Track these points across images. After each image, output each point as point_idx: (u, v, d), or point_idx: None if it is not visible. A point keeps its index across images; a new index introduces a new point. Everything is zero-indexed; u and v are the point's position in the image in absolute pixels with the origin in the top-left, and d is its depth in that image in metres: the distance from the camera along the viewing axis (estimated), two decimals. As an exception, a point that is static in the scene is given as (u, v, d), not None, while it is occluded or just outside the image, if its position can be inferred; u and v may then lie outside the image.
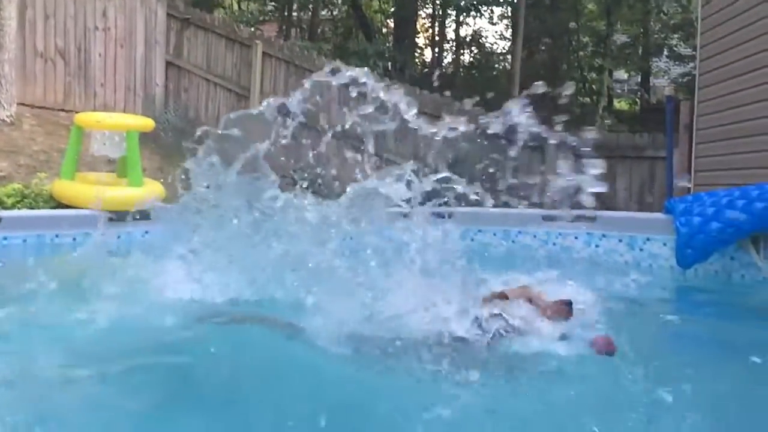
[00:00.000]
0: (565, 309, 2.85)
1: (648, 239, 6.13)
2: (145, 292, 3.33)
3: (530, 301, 2.82)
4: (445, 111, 12.12)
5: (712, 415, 2.30)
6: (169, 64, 13.70)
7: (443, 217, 7.14)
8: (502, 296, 2.86)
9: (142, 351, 2.62)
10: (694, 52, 10.73)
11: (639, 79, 23.57)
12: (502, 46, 25.14)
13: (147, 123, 7.77)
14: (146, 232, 6.69)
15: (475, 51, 24.21)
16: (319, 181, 11.80)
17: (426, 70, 21.89)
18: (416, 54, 22.90)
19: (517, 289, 2.89)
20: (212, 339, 2.69)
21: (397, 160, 11.92)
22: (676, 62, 21.29)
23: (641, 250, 6.16)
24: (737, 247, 5.44)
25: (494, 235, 6.86)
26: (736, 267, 5.49)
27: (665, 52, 21.73)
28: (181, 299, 3.29)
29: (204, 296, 3.32)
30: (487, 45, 25.09)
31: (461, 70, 23.39)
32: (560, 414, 2.20)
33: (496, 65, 22.95)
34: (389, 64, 18.67)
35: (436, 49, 24.31)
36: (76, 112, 9.01)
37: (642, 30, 21.19)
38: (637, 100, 22.30)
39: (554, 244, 6.63)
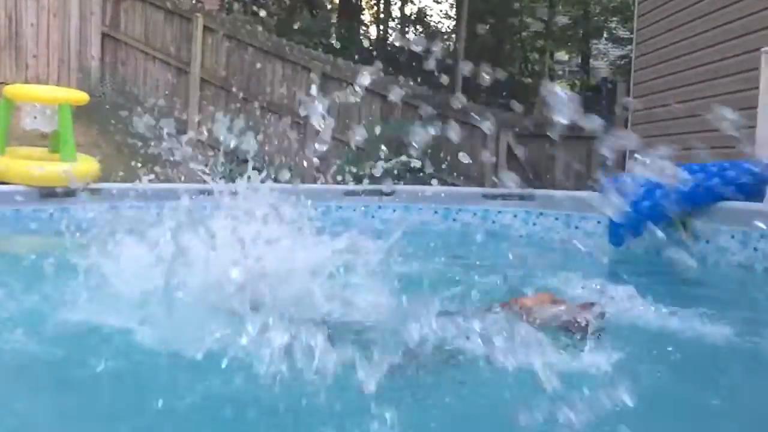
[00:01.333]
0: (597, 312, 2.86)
1: (583, 217, 6.30)
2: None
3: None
4: (390, 90, 12.18)
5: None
6: (105, 36, 13.26)
7: (387, 195, 7.23)
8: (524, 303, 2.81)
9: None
10: (631, 35, 10.99)
11: (579, 61, 24.02)
12: (447, 25, 25.25)
13: (80, 96, 7.53)
14: (82, 209, 6.54)
15: (420, 29, 24.25)
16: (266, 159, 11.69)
17: (371, 47, 21.80)
18: (361, 31, 22.78)
19: (545, 295, 2.92)
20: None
21: (339, 136, 11.89)
22: (615, 45, 21.75)
23: (576, 228, 6.33)
24: (666, 226, 5.64)
25: (435, 213, 6.94)
26: (665, 244, 5.69)
27: (605, 35, 22.17)
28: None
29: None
30: (432, 24, 25.15)
31: (406, 48, 23.38)
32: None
33: (441, 44, 23.03)
34: (333, 41, 18.53)
35: (381, 27, 24.23)
36: (6, 84, 8.67)
37: (583, 12, 21.57)
38: (577, 81, 22.75)
39: (493, 222, 6.76)
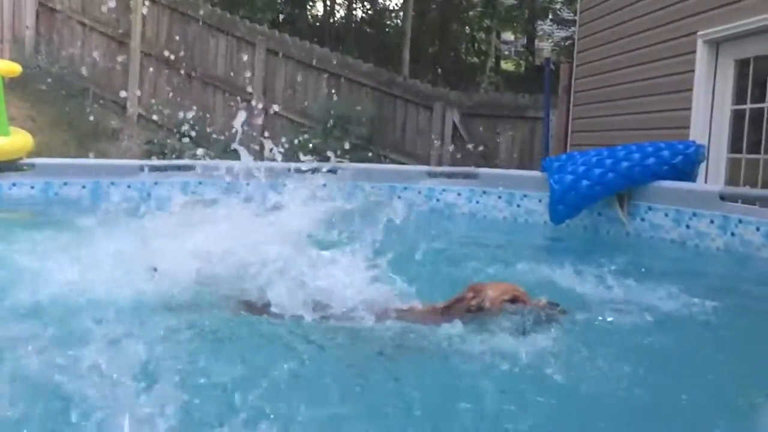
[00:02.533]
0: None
1: (525, 196, 6.41)
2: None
3: (516, 300, 2.65)
4: (337, 67, 12.03)
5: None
6: (40, 6, 12.74)
7: (332, 173, 7.20)
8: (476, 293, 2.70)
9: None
10: (575, 17, 11.16)
11: (525, 41, 24.25)
12: (395, 2, 25.11)
13: (12, 68, 7.23)
14: (13, 185, 6.34)
15: (368, 6, 24.06)
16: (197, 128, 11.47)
17: (318, 24, 21.54)
18: (308, 6, 22.46)
19: (506, 285, 2.77)
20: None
21: (284, 113, 11.77)
22: (559, 26, 22.04)
23: (518, 206, 6.44)
24: (604, 204, 5.79)
25: (380, 190, 6.95)
26: (602, 222, 5.85)
27: (550, 16, 22.43)
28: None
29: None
30: (380, 1, 24.97)
31: (353, 25, 23.19)
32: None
33: (389, 22, 22.91)
34: (279, 15, 18.23)
35: (328, 3, 23.93)
36: (-68, 54, 8.26)
37: (529, -7, 21.76)
38: (522, 62, 22.98)
39: (438, 199, 6.82)
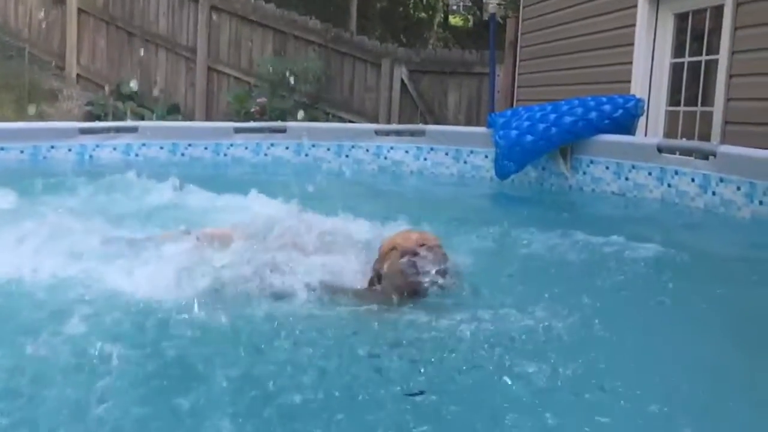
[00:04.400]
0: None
1: (472, 152, 6.48)
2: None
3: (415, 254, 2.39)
4: (283, 24, 11.79)
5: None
6: (-34, -39, 12.11)
7: (279, 131, 7.14)
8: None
9: None
10: (521, -29, 11.14)
11: (473, -4, 24.15)
12: (341, -44, 24.58)
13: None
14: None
15: (313, -40, 23.52)
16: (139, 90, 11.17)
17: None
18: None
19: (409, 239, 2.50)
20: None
21: (230, 71, 11.54)
22: (507, -20, 22.00)
23: (465, 162, 6.51)
24: (548, 158, 5.90)
25: (328, 149, 6.94)
26: (547, 176, 5.97)
27: (497, -30, 22.36)
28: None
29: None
30: (326, -46, 24.40)
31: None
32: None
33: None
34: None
35: (273, -43, 23.32)
36: None
37: (476, -54, 21.55)
38: (470, 17, 22.89)
39: (386, 158, 6.84)
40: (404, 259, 2.38)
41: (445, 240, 3.37)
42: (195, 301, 2.26)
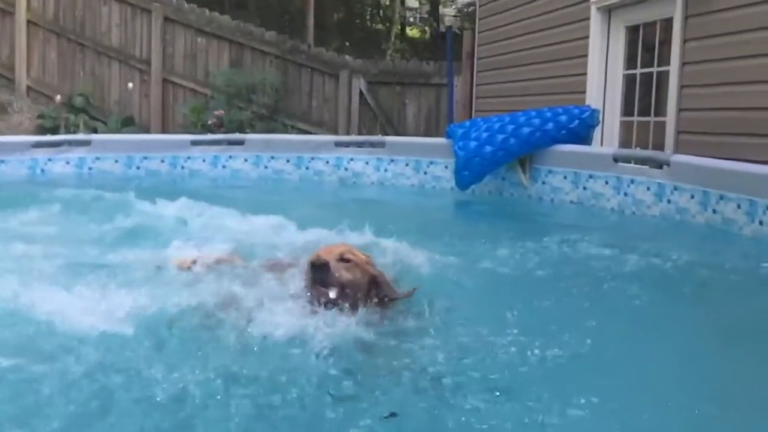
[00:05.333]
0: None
1: (431, 163, 6.51)
2: None
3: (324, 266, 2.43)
4: (239, 36, 11.69)
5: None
6: None
7: (237, 144, 7.06)
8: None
9: None
10: (476, -16, 11.28)
11: (429, 8, 24.36)
12: (297, -33, 24.58)
13: None
14: None
15: (269, -29, 23.46)
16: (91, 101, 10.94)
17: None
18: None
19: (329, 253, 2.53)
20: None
21: (185, 83, 11.39)
22: (463, -7, 22.27)
23: (425, 173, 6.53)
24: (507, 169, 5.96)
25: (287, 161, 6.89)
26: (506, 186, 6.03)
27: (452, -18, 22.63)
28: None
29: None
30: (282, -34, 24.38)
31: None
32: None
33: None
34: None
35: (228, -32, 23.16)
36: None
37: (432, -41, 21.79)
38: (427, 28, 23.09)
39: (346, 169, 6.82)
40: (307, 271, 2.48)
41: (403, 250, 3.39)
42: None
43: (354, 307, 2.42)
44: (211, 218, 4.19)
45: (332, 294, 2.41)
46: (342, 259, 2.48)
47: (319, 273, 2.42)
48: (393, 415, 1.78)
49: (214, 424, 1.75)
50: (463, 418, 1.80)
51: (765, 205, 3.92)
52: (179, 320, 2.39)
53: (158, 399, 1.83)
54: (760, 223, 3.95)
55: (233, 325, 2.34)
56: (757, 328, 2.63)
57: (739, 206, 4.11)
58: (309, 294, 2.46)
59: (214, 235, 3.57)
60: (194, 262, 2.92)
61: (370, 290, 2.53)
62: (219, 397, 1.86)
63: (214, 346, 2.20)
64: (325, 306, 2.40)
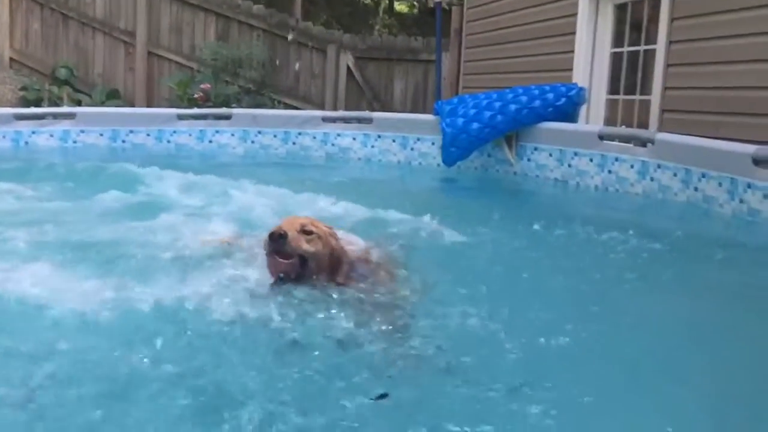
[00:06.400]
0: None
1: (418, 139, 6.53)
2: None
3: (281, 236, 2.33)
4: (226, 9, 11.54)
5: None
6: None
7: (224, 118, 7.03)
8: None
9: None
10: (465, -41, 11.19)
11: (418, -17, 24.17)
12: (284, -60, 24.23)
13: None
14: None
15: (256, -56, 23.14)
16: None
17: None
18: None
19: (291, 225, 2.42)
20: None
21: (171, 56, 11.29)
22: (451, -32, 22.08)
23: (412, 149, 6.55)
24: (494, 146, 5.98)
25: (274, 136, 6.88)
26: (492, 163, 6.06)
27: (442, -43, 22.43)
28: None
29: None
30: (269, -62, 24.04)
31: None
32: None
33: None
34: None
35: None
36: None
37: (420, -67, 21.55)
38: (415, 3, 22.92)
39: (333, 144, 6.83)
40: (266, 241, 2.38)
41: (387, 226, 3.42)
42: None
43: (311, 281, 2.36)
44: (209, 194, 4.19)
45: (289, 266, 2.34)
46: (303, 231, 2.39)
47: (277, 244, 2.33)
48: (383, 396, 1.75)
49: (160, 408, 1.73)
50: (440, 400, 1.80)
51: (746, 183, 3.98)
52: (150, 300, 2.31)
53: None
54: (741, 201, 4.01)
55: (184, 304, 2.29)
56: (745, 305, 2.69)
57: (720, 184, 4.17)
58: (267, 266, 2.39)
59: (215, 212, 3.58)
60: (228, 242, 2.87)
61: (333, 264, 2.44)
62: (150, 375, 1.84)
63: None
64: (282, 279, 2.35)
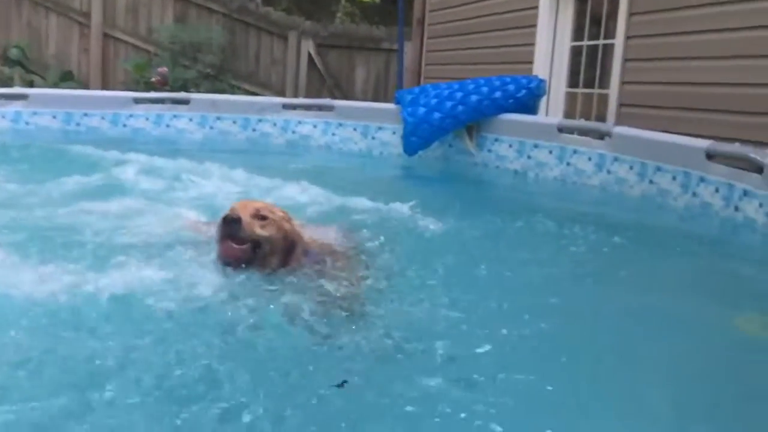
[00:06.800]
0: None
1: (380, 128, 6.51)
2: None
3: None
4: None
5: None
6: None
7: (182, 103, 6.91)
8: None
9: None
10: (428, -51, 11.16)
11: (380, -29, 24.08)
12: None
13: None
14: None
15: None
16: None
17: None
18: None
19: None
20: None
21: (127, 38, 11.03)
22: (414, -43, 22.06)
23: (373, 138, 6.53)
24: (454, 136, 6.01)
25: (234, 122, 6.79)
26: (453, 153, 6.09)
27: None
28: None
29: None
30: None
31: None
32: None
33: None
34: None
35: None
36: None
37: None
38: (377, -8, 22.82)
39: (294, 132, 6.77)
40: (219, 226, 2.35)
41: (348, 214, 3.41)
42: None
43: (264, 267, 2.33)
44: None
45: (242, 251, 2.31)
46: (258, 216, 2.35)
47: (230, 228, 2.28)
48: (344, 383, 1.75)
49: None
50: (391, 386, 1.80)
51: (699, 176, 4.08)
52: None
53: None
54: (694, 194, 4.11)
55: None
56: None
57: (674, 178, 4.26)
58: (217, 251, 2.35)
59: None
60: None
61: (288, 250, 2.40)
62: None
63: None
64: (232, 264, 2.31)
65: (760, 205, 3.62)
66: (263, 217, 2.36)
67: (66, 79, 10.44)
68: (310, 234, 2.63)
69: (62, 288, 2.16)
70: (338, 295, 2.29)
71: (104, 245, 2.67)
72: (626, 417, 1.72)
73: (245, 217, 2.31)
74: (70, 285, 2.19)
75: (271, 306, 2.18)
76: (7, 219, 2.99)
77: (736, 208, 3.79)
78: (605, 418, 1.73)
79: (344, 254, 2.64)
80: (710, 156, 4.06)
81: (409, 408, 1.67)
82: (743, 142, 4.12)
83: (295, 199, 3.81)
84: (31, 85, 9.62)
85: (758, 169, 3.69)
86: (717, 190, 3.96)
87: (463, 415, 1.66)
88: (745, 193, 3.75)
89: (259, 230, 2.33)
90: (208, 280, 2.29)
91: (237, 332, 2.03)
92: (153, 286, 2.23)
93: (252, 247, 2.33)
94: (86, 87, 10.58)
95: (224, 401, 1.64)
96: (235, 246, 2.30)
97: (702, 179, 4.07)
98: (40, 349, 1.86)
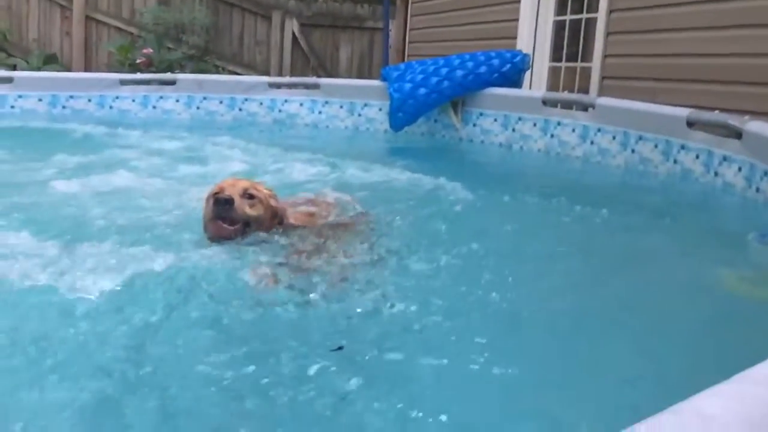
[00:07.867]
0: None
1: (366, 105, 6.56)
2: None
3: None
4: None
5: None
6: None
7: (168, 84, 6.90)
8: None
9: None
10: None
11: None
12: None
13: None
14: None
15: None
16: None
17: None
18: None
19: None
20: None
21: (110, 21, 10.95)
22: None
23: (360, 115, 6.58)
24: (440, 111, 6.07)
25: (220, 102, 6.80)
26: (438, 128, 6.15)
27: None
28: None
29: None
30: None
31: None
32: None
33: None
34: None
35: None
36: None
37: None
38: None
39: (280, 111, 6.80)
40: (210, 203, 2.38)
41: (337, 189, 3.46)
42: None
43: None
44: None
45: (233, 231, 2.34)
46: (246, 195, 2.38)
47: (223, 209, 2.31)
48: (340, 348, 1.77)
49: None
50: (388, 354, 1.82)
51: (679, 144, 4.17)
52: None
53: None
54: (675, 161, 4.21)
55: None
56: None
57: (656, 146, 4.35)
58: (207, 229, 2.38)
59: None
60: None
61: (272, 226, 2.46)
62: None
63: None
64: (221, 242, 2.34)
65: (739, 169, 3.72)
66: (251, 196, 2.40)
67: (50, 62, 10.36)
68: (301, 209, 2.70)
69: (58, 266, 2.16)
70: (311, 266, 2.30)
71: (103, 226, 2.70)
72: (612, 375, 1.77)
73: (236, 197, 2.34)
74: (67, 264, 2.19)
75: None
76: (4, 200, 3.02)
77: (716, 174, 3.89)
78: (593, 382, 1.76)
79: (332, 227, 2.67)
80: (691, 124, 4.15)
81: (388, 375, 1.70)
82: (722, 110, 4.21)
83: (286, 176, 3.87)
84: (13, 68, 9.55)
85: (737, 135, 3.79)
86: (697, 157, 4.05)
87: (436, 383, 1.68)
88: (725, 158, 3.85)
89: (249, 210, 2.37)
90: (196, 255, 2.30)
91: (228, 301, 2.05)
92: (150, 259, 2.24)
93: (242, 227, 2.37)
94: (69, 71, 10.51)
95: (215, 366, 1.68)
96: (227, 227, 2.34)
97: (683, 146, 4.16)
98: (31, 334, 1.84)
